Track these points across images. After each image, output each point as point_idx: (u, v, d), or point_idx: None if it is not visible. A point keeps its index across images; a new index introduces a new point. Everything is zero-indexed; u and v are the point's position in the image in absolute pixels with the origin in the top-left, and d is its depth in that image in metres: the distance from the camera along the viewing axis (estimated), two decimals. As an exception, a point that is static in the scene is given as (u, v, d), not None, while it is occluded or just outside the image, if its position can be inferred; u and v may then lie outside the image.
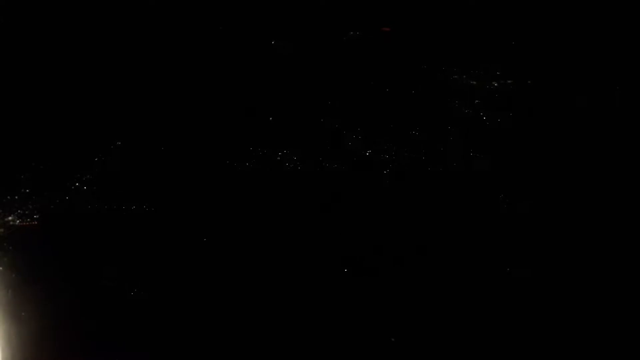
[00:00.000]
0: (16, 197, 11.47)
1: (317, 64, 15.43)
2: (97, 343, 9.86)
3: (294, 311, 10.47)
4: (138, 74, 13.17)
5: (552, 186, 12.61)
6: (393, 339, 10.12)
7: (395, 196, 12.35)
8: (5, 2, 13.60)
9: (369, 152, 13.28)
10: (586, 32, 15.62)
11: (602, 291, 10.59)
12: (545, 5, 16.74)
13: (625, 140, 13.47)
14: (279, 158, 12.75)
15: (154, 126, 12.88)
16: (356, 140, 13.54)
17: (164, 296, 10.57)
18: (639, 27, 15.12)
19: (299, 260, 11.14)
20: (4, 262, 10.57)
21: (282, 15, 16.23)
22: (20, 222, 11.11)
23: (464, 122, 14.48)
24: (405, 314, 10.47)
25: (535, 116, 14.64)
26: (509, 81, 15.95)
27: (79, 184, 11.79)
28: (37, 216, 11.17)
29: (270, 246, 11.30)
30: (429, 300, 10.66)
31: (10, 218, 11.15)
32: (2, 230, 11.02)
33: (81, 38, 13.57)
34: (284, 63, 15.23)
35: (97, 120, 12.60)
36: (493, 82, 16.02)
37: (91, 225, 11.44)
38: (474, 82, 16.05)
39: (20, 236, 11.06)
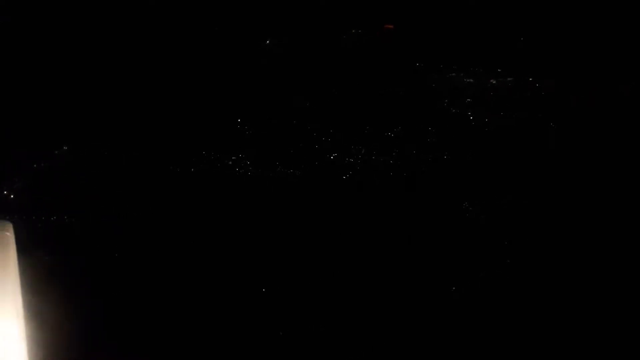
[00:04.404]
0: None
1: (305, 63, 14.52)
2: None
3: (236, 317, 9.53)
4: (78, 77, 12.25)
5: (550, 185, 11.67)
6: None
7: (354, 202, 11.22)
8: None
9: (334, 156, 12.11)
10: (586, 30, 14.72)
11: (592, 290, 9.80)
12: (546, 4, 15.87)
13: (625, 138, 12.41)
14: (230, 162, 11.69)
15: (95, 130, 11.95)
16: (325, 143, 12.43)
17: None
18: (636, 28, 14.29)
19: (246, 267, 10.17)
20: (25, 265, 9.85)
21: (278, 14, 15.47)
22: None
23: (458, 122, 13.37)
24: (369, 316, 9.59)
25: (534, 115, 13.45)
26: (508, 79, 15.02)
27: (6, 192, 10.92)
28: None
29: (217, 252, 10.40)
30: (394, 303, 9.78)
31: None
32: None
33: (17, 37, 12.79)
34: (267, 63, 14.38)
35: (30, 127, 11.68)
36: (491, 80, 15.13)
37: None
38: (471, 80, 15.19)
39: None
